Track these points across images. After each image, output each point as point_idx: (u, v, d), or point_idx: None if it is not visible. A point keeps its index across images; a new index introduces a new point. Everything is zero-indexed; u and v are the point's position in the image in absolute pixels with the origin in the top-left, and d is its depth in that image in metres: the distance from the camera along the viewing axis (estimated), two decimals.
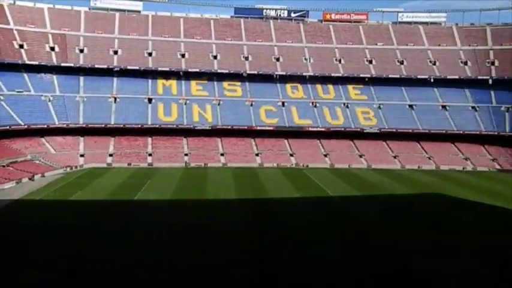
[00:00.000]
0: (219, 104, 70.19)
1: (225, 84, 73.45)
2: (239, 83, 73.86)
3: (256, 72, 72.84)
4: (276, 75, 73.73)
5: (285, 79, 74.34)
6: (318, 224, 33.29)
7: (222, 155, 65.39)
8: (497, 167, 64.97)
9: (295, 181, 51.03)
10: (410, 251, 27.18)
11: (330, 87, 74.75)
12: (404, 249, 27.55)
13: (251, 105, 70.71)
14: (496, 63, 73.67)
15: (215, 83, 73.43)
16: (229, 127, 67.26)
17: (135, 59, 70.87)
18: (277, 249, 27.01)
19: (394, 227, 32.87)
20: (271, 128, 68.24)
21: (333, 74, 73.95)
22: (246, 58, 74.36)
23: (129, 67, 69.51)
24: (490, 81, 72.91)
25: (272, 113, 69.96)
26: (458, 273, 23.72)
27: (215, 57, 73.78)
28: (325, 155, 66.88)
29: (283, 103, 71.62)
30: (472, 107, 72.50)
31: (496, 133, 68.17)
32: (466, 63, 75.08)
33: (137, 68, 69.94)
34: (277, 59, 74.93)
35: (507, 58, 73.11)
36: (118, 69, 69.55)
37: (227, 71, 72.25)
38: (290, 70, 73.52)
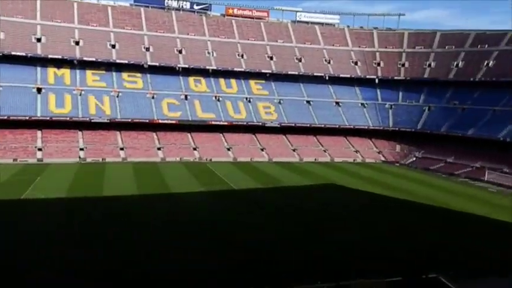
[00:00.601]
0: (118, 96, 66.86)
1: (125, 75, 70.18)
2: (140, 75, 71.10)
3: (157, 64, 70.70)
4: (179, 67, 72.37)
5: (188, 72, 73.34)
6: (220, 214, 33.85)
7: (121, 149, 62.47)
8: (382, 158, 71.81)
9: (199, 175, 50.84)
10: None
11: (233, 81, 75.69)
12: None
13: (153, 97, 68.61)
14: (382, 64, 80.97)
15: (113, 73, 69.77)
16: (129, 120, 64.41)
17: (21, 44, 64.10)
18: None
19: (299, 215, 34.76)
20: (173, 122, 66.93)
21: (235, 69, 74.90)
22: (147, 49, 71.80)
23: (13, 53, 62.52)
24: (377, 81, 79.97)
25: (175, 106, 68.68)
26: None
27: (113, 46, 70.04)
28: (228, 149, 67.67)
29: (186, 96, 70.71)
30: (362, 104, 78.88)
31: (381, 128, 75.02)
32: (356, 63, 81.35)
33: (23, 54, 63.36)
34: (180, 51, 73.63)
35: (390, 60, 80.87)
36: (0, 54, 62.44)
37: (127, 62, 69.03)
38: (193, 63, 72.71)
